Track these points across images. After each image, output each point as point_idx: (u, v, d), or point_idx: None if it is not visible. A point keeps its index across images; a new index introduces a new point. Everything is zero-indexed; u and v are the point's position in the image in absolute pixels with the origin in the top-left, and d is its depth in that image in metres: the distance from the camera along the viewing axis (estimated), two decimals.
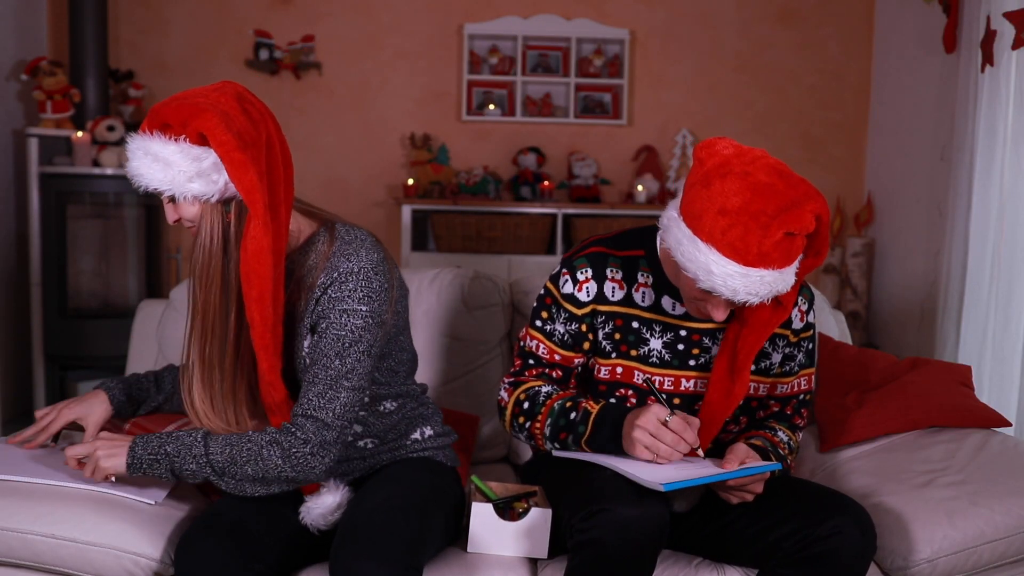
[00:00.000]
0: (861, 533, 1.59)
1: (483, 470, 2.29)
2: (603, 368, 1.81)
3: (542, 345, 1.83)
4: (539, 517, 1.72)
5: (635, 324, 1.79)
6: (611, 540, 1.51)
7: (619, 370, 1.80)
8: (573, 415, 1.74)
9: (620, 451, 1.70)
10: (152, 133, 1.55)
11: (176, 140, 1.54)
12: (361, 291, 1.62)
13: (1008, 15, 3.30)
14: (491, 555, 1.73)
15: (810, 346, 1.89)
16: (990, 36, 3.41)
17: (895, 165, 4.64)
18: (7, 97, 4.27)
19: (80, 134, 4.14)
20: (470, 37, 4.83)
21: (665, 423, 1.63)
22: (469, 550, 1.74)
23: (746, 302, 1.59)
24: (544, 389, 1.81)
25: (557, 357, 1.83)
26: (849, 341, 2.50)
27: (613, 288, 1.79)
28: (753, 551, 1.69)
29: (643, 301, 1.79)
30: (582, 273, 1.80)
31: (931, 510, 1.79)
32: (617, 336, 1.80)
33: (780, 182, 1.56)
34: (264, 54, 4.78)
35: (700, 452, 1.68)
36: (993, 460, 1.96)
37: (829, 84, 4.94)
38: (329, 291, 1.62)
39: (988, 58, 3.42)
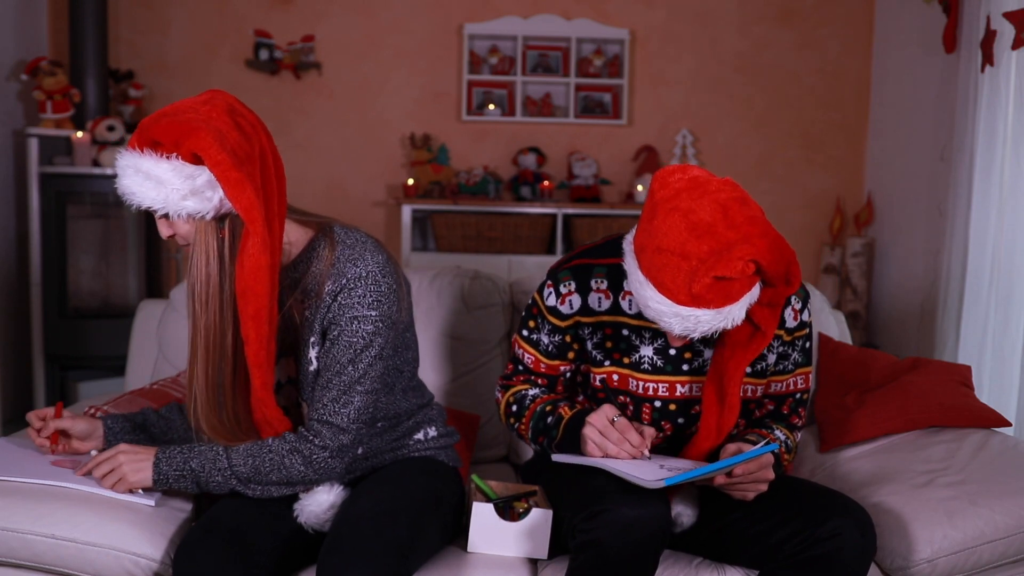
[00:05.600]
0: (861, 535, 1.59)
1: (483, 470, 2.29)
2: (598, 376, 1.82)
3: (527, 355, 1.88)
4: (540, 517, 1.72)
5: (624, 332, 1.79)
6: (613, 541, 1.51)
7: (615, 377, 1.81)
8: (549, 419, 1.79)
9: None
10: (142, 150, 1.50)
11: (168, 158, 1.49)
12: (371, 296, 1.62)
13: (1008, 15, 3.30)
14: (491, 555, 1.73)
15: (807, 344, 1.87)
16: (990, 36, 3.41)
17: (895, 165, 4.64)
18: (7, 97, 4.27)
19: (80, 134, 4.14)
20: (470, 37, 4.83)
21: (612, 422, 1.69)
22: (469, 550, 1.74)
23: (687, 336, 1.60)
24: (531, 392, 1.86)
25: (543, 367, 1.88)
26: (849, 341, 2.50)
27: (599, 298, 1.79)
28: (753, 552, 1.69)
29: (630, 309, 1.78)
30: (565, 286, 1.80)
31: (931, 510, 1.79)
32: (608, 344, 1.80)
33: (722, 222, 1.52)
34: (264, 54, 4.78)
35: (647, 453, 1.71)
36: (993, 460, 1.96)
37: (829, 84, 4.94)
38: (339, 298, 1.62)
39: (988, 58, 3.42)
